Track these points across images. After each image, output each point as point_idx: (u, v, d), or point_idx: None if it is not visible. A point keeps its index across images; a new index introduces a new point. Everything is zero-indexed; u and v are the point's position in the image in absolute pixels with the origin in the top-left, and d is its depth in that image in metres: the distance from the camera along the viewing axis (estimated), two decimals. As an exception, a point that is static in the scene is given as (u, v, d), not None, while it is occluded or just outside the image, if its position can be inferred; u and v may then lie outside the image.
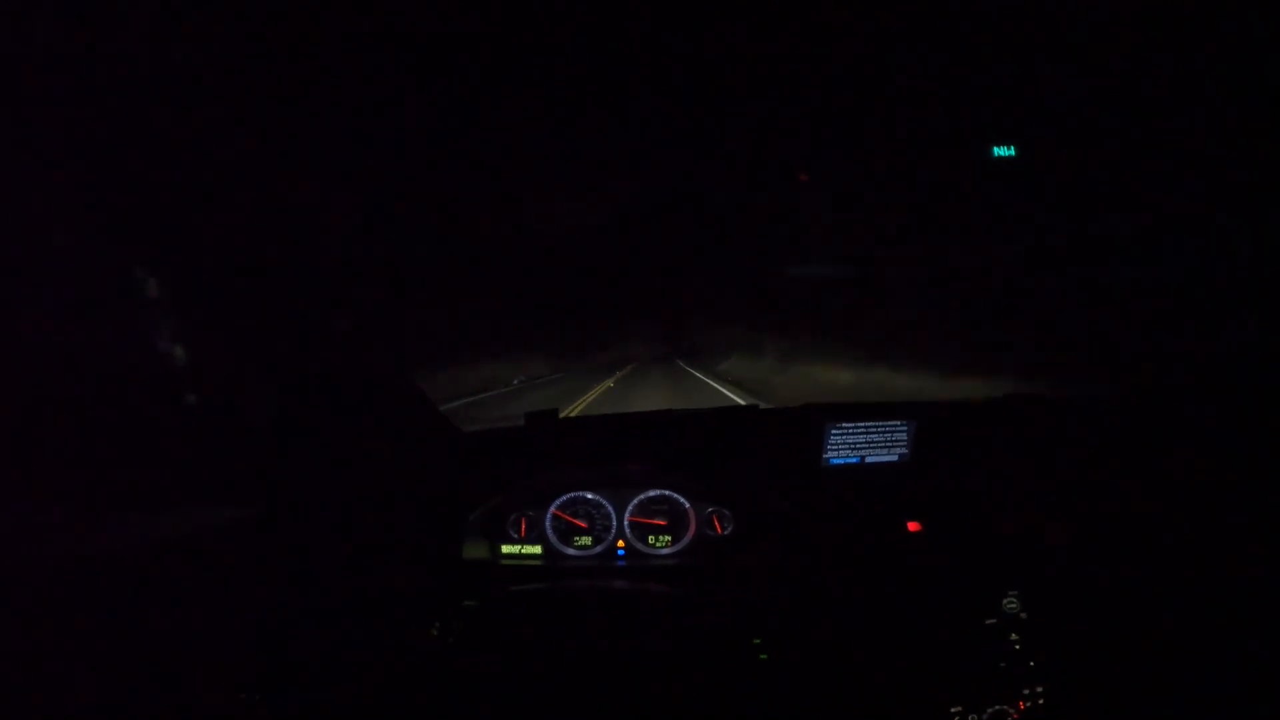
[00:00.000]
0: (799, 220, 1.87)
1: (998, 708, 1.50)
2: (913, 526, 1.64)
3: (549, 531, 1.68)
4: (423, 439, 1.48)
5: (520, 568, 1.65)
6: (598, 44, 1.24)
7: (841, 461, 1.70)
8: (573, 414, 1.91)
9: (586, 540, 1.70)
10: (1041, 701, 1.52)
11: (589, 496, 1.70)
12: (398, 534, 1.42)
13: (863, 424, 1.68)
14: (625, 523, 1.70)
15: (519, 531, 1.68)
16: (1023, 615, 1.55)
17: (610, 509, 1.70)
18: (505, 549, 1.68)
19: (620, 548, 1.70)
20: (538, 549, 1.68)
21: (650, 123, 1.59)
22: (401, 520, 1.44)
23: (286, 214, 1.17)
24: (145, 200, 1.07)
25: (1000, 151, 1.23)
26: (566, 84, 1.36)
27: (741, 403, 2.05)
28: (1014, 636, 1.54)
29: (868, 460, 1.70)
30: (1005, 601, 1.55)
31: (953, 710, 1.49)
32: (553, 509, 1.69)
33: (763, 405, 1.82)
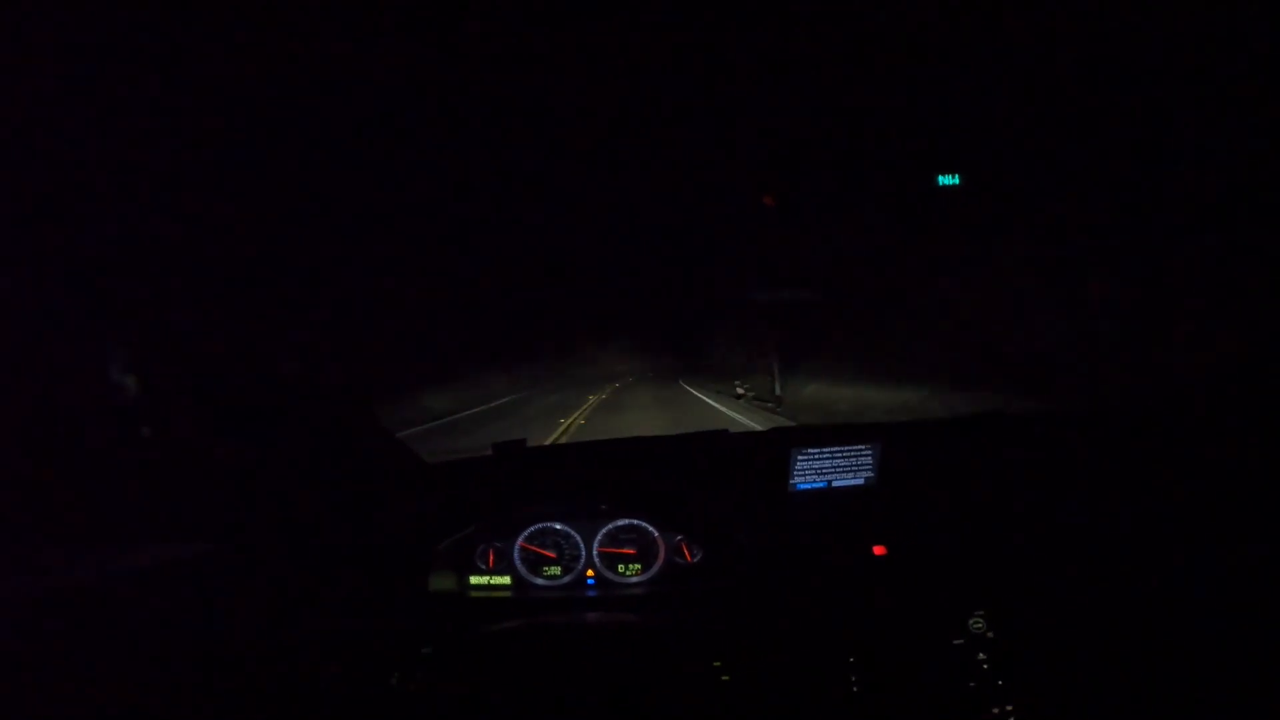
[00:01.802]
0: (765, 243, 1.91)
1: None
2: (878, 550, 1.66)
3: (517, 562, 1.68)
4: (385, 472, 1.47)
5: (489, 599, 1.64)
6: (581, 62, 1.26)
7: (808, 486, 1.71)
8: (545, 442, 1.90)
9: (555, 570, 1.69)
10: None
11: (557, 527, 1.69)
12: (361, 568, 1.40)
13: (828, 449, 1.69)
14: (594, 553, 1.70)
15: (487, 563, 1.67)
16: (989, 635, 1.56)
17: (579, 539, 1.69)
18: (474, 580, 1.67)
19: (590, 577, 1.70)
20: (507, 579, 1.68)
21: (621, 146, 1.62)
22: (365, 555, 1.42)
23: (236, 249, 1.17)
24: (94, 235, 1.07)
25: (945, 180, 1.26)
26: (541, 101, 1.37)
27: (758, 425, 2.02)
28: (981, 656, 1.55)
29: (834, 485, 1.72)
30: (971, 621, 1.56)
31: None
32: (520, 541, 1.68)
33: (732, 430, 1.82)
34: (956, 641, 1.55)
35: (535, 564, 1.69)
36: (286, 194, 1.25)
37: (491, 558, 1.68)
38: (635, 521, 1.71)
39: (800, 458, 1.69)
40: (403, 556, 1.53)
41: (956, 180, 1.21)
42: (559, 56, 1.17)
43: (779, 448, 1.70)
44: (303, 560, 1.29)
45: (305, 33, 1.00)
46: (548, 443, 1.78)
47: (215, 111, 1.07)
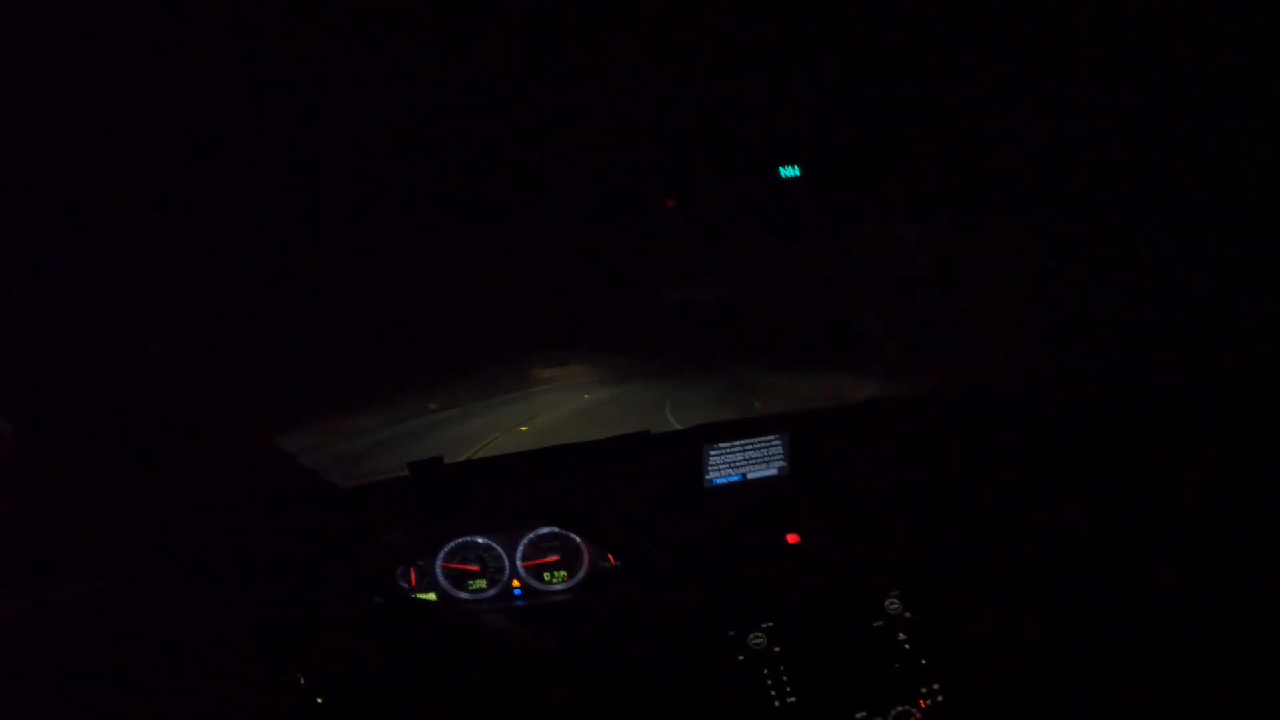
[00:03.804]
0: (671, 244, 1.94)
1: (901, 709, 1.51)
2: (792, 539, 1.67)
3: (440, 579, 1.69)
4: (290, 500, 1.50)
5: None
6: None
7: (724, 481, 1.73)
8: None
9: (481, 583, 1.71)
10: (941, 699, 1.53)
11: (478, 540, 1.71)
12: (269, 596, 1.42)
13: (739, 442, 1.71)
14: (518, 563, 1.71)
15: (409, 582, 1.69)
16: (907, 614, 1.57)
17: (501, 551, 1.71)
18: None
19: (516, 587, 1.72)
20: (432, 595, 1.69)
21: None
22: (277, 583, 1.44)
23: (99, 274, 1.19)
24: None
25: (786, 172, 1.29)
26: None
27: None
28: (902, 636, 1.55)
29: (749, 477, 1.74)
30: (888, 602, 1.57)
31: (858, 716, 1.49)
32: (440, 560, 1.69)
33: (653, 431, 1.84)
34: (876, 624, 1.56)
35: (459, 579, 1.71)
36: (160, 200, 1.27)
37: (414, 576, 1.70)
38: (557, 529, 1.73)
39: (713, 453, 1.71)
40: (317, 582, 1.54)
41: (797, 171, 1.25)
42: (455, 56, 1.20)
43: (692, 444, 1.72)
44: (203, 595, 1.31)
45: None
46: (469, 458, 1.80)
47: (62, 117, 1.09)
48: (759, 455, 1.73)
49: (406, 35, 1.20)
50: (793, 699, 1.49)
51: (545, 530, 1.73)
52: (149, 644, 1.26)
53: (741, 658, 1.50)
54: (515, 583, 1.72)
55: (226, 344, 1.45)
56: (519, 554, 1.72)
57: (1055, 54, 1.31)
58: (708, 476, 1.72)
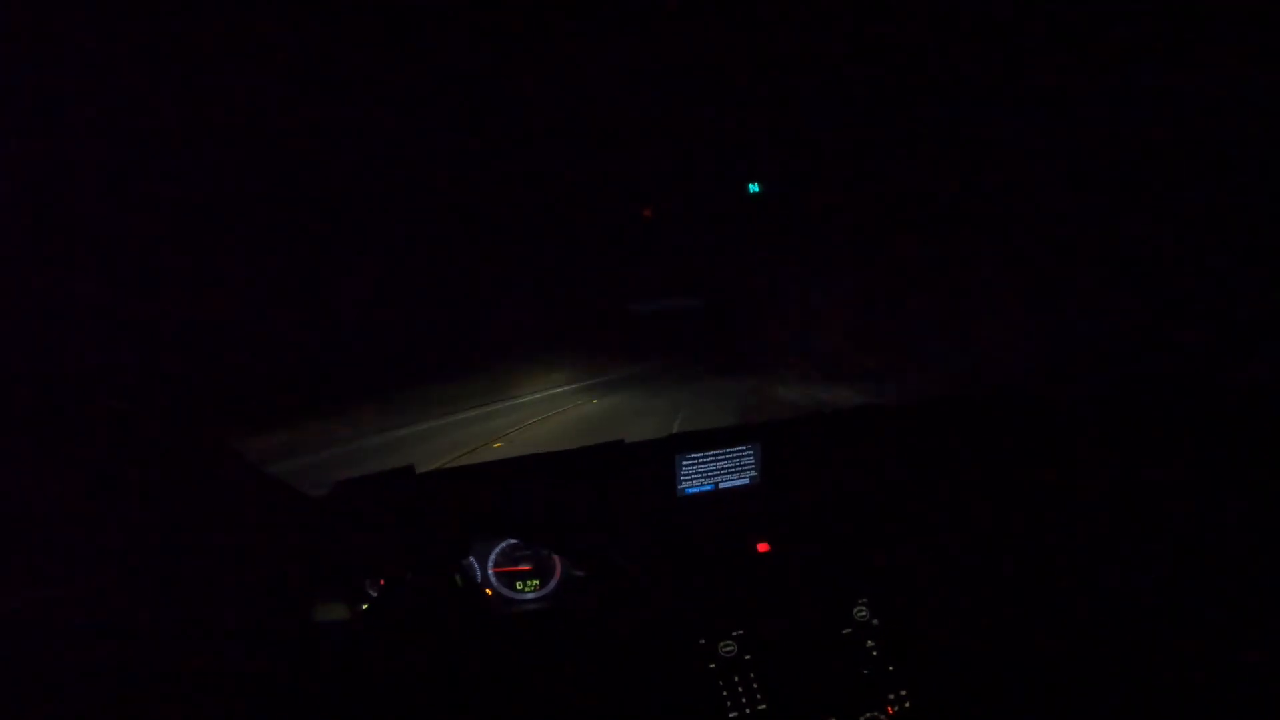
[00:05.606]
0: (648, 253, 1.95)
1: (869, 715, 1.53)
2: (762, 547, 1.69)
3: (410, 588, 1.68)
4: (255, 508, 1.47)
5: None
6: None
7: (696, 490, 1.74)
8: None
9: (452, 592, 1.70)
10: (908, 705, 1.55)
11: None
12: (229, 607, 1.40)
13: (712, 452, 1.73)
14: (489, 572, 1.71)
15: (377, 590, 1.67)
16: (874, 621, 1.59)
17: (472, 560, 1.70)
18: (366, 607, 1.67)
19: (488, 595, 1.71)
20: None
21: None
22: (232, 593, 1.42)
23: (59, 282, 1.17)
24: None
25: (754, 188, 1.32)
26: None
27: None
28: (870, 643, 1.58)
29: (722, 486, 1.75)
30: (856, 610, 1.59)
31: None
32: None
33: (628, 440, 1.85)
34: (845, 631, 1.58)
35: (430, 588, 1.69)
36: (131, 200, 1.25)
37: (383, 585, 1.67)
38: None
39: (685, 463, 1.72)
40: (281, 591, 1.52)
41: (757, 189, 1.28)
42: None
43: (665, 454, 1.73)
44: (156, 605, 1.28)
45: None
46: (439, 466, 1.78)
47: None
48: (731, 465, 1.74)
49: (389, 39, 1.20)
50: (763, 706, 1.50)
51: (517, 540, 1.72)
52: (109, 653, 1.23)
53: (712, 666, 1.51)
54: (487, 591, 1.71)
55: (195, 350, 1.42)
56: (490, 562, 1.71)
57: (1037, 60, 1.35)
58: (680, 486, 1.73)
